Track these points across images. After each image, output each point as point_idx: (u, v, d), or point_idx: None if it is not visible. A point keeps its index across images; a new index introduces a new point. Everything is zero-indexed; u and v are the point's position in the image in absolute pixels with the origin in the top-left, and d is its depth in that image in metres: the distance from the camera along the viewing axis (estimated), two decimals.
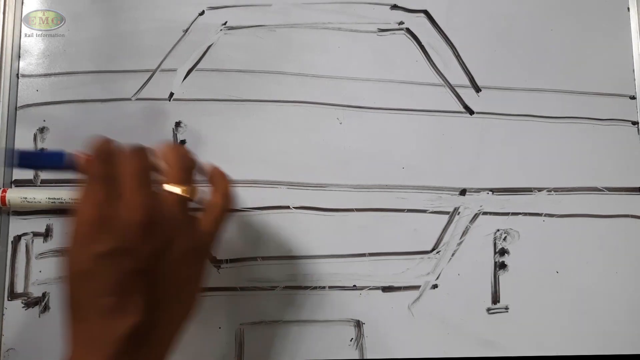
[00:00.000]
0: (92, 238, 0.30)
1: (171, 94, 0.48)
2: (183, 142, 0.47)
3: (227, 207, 0.36)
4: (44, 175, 0.46)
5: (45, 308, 0.45)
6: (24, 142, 0.47)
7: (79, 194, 0.32)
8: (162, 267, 0.31)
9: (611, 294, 0.48)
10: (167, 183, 0.33)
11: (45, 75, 0.48)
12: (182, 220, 0.33)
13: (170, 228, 0.32)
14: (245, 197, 0.47)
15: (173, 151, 0.34)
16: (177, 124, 0.48)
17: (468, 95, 0.50)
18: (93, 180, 0.32)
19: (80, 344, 0.30)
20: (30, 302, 0.45)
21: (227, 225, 0.36)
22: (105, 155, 0.33)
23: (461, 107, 0.49)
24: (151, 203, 0.31)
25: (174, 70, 0.48)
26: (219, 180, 0.37)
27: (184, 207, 0.33)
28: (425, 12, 0.51)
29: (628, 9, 0.52)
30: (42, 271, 0.45)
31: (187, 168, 0.34)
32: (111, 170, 0.32)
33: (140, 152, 0.33)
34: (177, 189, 0.33)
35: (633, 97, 0.51)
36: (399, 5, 0.50)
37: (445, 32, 0.50)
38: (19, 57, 0.48)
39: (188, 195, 0.33)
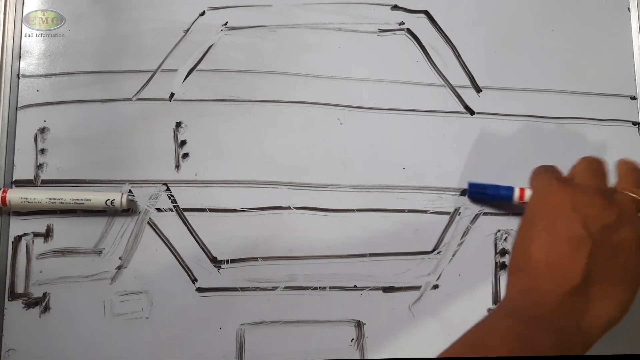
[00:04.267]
0: (554, 203, 0.36)
1: (172, 94, 0.48)
2: (184, 142, 0.47)
3: None
4: (45, 175, 0.46)
5: (46, 308, 0.45)
6: (24, 142, 0.47)
7: (542, 176, 0.40)
8: (606, 244, 0.34)
9: None
10: (623, 189, 0.37)
11: (46, 75, 0.48)
12: (631, 214, 0.36)
13: (619, 215, 0.35)
14: (245, 197, 0.47)
15: (629, 166, 0.40)
16: (178, 124, 0.48)
17: (469, 95, 0.50)
18: (549, 169, 0.41)
19: (522, 289, 0.36)
20: (31, 303, 0.45)
21: None
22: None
23: (462, 107, 0.50)
24: (605, 189, 0.37)
25: (175, 70, 0.48)
26: None
27: (634, 206, 0.36)
28: (426, 13, 0.51)
29: (628, 9, 0.52)
30: (43, 271, 0.45)
31: None
32: (558, 169, 0.41)
33: (597, 159, 0.40)
34: (631, 193, 0.37)
35: (634, 98, 0.51)
36: (400, 5, 0.50)
37: (446, 32, 0.50)
38: (20, 57, 0.48)
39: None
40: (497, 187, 0.46)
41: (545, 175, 0.40)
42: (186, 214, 0.46)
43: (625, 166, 0.40)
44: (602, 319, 0.35)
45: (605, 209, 0.35)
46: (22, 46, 0.48)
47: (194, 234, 0.46)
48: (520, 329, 0.33)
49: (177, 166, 0.47)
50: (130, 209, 0.46)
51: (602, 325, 0.35)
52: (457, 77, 0.50)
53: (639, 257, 0.36)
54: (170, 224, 0.46)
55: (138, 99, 0.48)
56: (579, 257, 0.34)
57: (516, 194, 0.46)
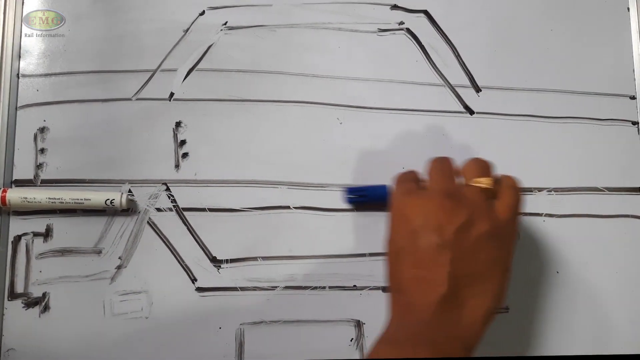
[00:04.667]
0: (406, 219, 0.37)
1: (171, 94, 0.48)
2: (183, 142, 0.47)
3: (516, 197, 0.39)
4: (44, 175, 0.46)
5: (46, 308, 0.45)
6: (24, 142, 0.47)
7: (395, 191, 0.40)
8: (464, 245, 0.35)
9: (611, 294, 0.48)
10: (469, 179, 0.38)
11: (46, 75, 0.48)
12: (482, 206, 0.36)
13: (471, 211, 0.36)
14: (245, 196, 0.47)
15: (470, 159, 0.41)
16: (178, 124, 0.48)
17: (468, 95, 0.50)
18: (403, 179, 0.41)
19: (398, 309, 0.37)
20: (31, 302, 0.45)
21: (521, 213, 0.39)
22: (412, 170, 0.43)
23: (461, 107, 0.50)
24: (452, 189, 0.37)
25: (175, 70, 0.48)
26: (505, 177, 0.40)
27: (483, 196, 0.37)
28: (426, 12, 0.51)
29: (628, 9, 0.52)
30: (42, 271, 0.45)
31: (485, 166, 0.40)
32: (414, 175, 0.41)
33: (443, 157, 0.41)
34: (476, 182, 0.38)
35: (633, 97, 0.51)
36: (399, 5, 0.50)
37: (446, 32, 0.50)
38: (19, 57, 0.48)
39: (487, 186, 0.38)
40: (374, 188, 0.46)
41: (397, 189, 0.40)
42: (186, 213, 0.46)
43: (467, 161, 0.41)
44: (479, 316, 0.35)
45: (455, 210, 0.35)
46: (21, 46, 0.48)
47: (193, 233, 0.46)
48: (397, 352, 0.33)
49: (177, 166, 0.47)
50: (130, 209, 0.46)
51: (481, 321, 0.35)
52: (457, 76, 0.50)
53: (499, 246, 0.36)
54: (169, 223, 0.46)
55: (138, 99, 0.48)
56: (441, 266, 0.35)
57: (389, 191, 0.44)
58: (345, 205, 0.47)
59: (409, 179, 0.41)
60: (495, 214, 0.37)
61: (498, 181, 0.39)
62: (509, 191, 0.39)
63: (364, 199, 0.46)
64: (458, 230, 0.35)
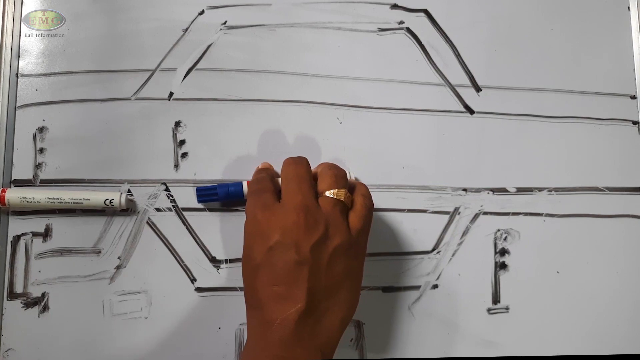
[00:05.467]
0: (263, 235, 0.36)
1: (171, 94, 0.48)
2: (183, 141, 0.47)
3: (368, 205, 0.39)
4: (43, 175, 0.46)
5: (45, 308, 0.45)
6: (23, 142, 0.46)
7: (249, 203, 0.38)
8: (321, 259, 0.35)
9: (611, 294, 0.48)
10: (323, 190, 0.38)
11: (45, 74, 0.48)
12: (337, 219, 0.37)
13: (326, 225, 0.36)
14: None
15: (325, 164, 0.40)
16: (177, 124, 0.48)
17: (468, 94, 0.50)
18: (258, 190, 0.39)
19: (257, 327, 0.36)
20: (30, 302, 0.45)
21: (371, 223, 0.40)
22: (267, 169, 0.43)
23: (461, 106, 0.49)
24: (308, 202, 0.36)
25: (174, 69, 0.48)
26: (358, 185, 0.41)
27: (338, 208, 0.37)
28: (426, 12, 0.50)
29: (628, 8, 0.52)
30: (42, 271, 0.45)
31: (340, 176, 0.39)
32: (269, 184, 0.40)
33: (299, 161, 0.39)
34: (331, 193, 0.38)
35: (634, 97, 0.51)
36: (399, 4, 0.50)
37: (446, 31, 0.50)
38: (19, 56, 0.48)
39: (341, 199, 0.38)
40: (225, 186, 0.44)
41: (251, 202, 0.38)
42: (185, 213, 0.46)
43: (322, 166, 0.40)
44: (336, 325, 0.36)
45: (311, 225, 0.35)
46: (21, 45, 0.48)
47: (193, 233, 0.46)
48: None
49: (176, 166, 0.47)
50: (129, 209, 0.46)
51: (338, 329, 0.36)
52: (457, 76, 0.50)
53: (352, 257, 0.37)
54: (169, 223, 0.46)
55: (137, 99, 0.48)
56: (300, 282, 0.35)
57: (246, 188, 0.44)
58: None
59: (264, 189, 0.39)
60: (349, 225, 0.37)
61: (352, 189, 0.40)
62: (360, 200, 0.39)
63: (215, 198, 0.45)
64: (314, 246, 0.35)
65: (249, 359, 0.36)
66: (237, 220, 0.46)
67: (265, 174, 0.41)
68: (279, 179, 0.41)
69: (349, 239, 0.37)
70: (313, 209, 0.36)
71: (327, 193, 0.38)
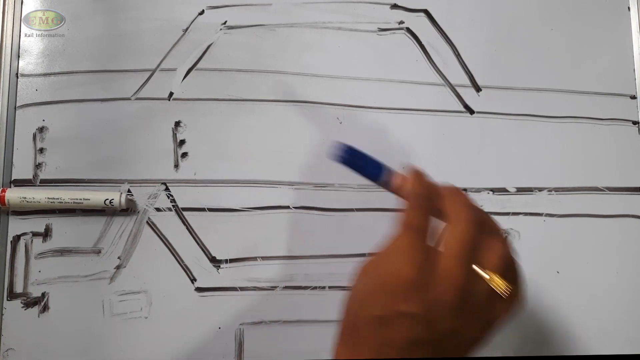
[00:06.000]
0: (402, 295, 0.29)
1: (171, 94, 0.48)
2: (183, 141, 0.47)
3: (518, 297, 0.32)
4: (43, 174, 0.46)
5: (45, 308, 0.45)
6: (23, 141, 0.46)
7: (401, 243, 0.31)
8: (448, 345, 0.30)
9: (611, 294, 0.48)
10: (486, 270, 0.30)
11: (45, 74, 0.48)
12: (480, 312, 0.30)
13: (471, 315, 0.30)
14: (245, 196, 0.47)
15: (499, 242, 0.31)
16: (177, 124, 0.48)
17: (468, 94, 0.50)
18: (416, 231, 0.31)
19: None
20: (30, 302, 0.45)
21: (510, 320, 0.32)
22: (427, 191, 0.32)
23: (461, 106, 0.49)
24: (467, 286, 0.29)
25: (174, 69, 0.48)
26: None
27: (486, 295, 0.30)
28: (426, 12, 0.50)
29: (628, 8, 0.52)
30: (42, 271, 0.45)
31: (507, 267, 0.31)
32: (427, 220, 0.32)
33: (479, 214, 0.31)
34: (487, 276, 0.30)
35: (633, 97, 0.51)
36: (399, 4, 0.50)
37: (446, 31, 0.50)
38: (18, 56, 0.48)
39: (500, 288, 0.30)
40: (371, 164, 0.35)
41: (404, 240, 0.31)
42: (185, 213, 0.46)
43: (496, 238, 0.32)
44: None
45: (459, 312, 0.29)
46: (21, 45, 0.48)
47: (193, 233, 0.46)
48: None
49: (176, 165, 0.47)
50: (129, 209, 0.46)
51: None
52: (457, 76, 0.50)
53: (474, 342, 0.31)
54: (169, 223, 0.46)
55: (137, 98, 0.48)
56: (414, 357, 0.30)
57: (385, 175, 0.35)
58: (350, 206, 0.47)
59: (423, 227, 0.32)
60: (486, 321, 0.31)
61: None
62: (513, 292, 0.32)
63: (356, 167, 0.35)
64: (449, 332, 0.30)
65: None
66: (237, 220, 0.46)
67: (426, 204, 0.32)
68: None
69: (482, 333, 0.31)
70: (469, 289, 0.30)
71: (484, 274, 0.31)
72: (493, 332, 0.31)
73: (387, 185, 0.35)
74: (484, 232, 0.31)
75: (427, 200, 0.32)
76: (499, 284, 0.30)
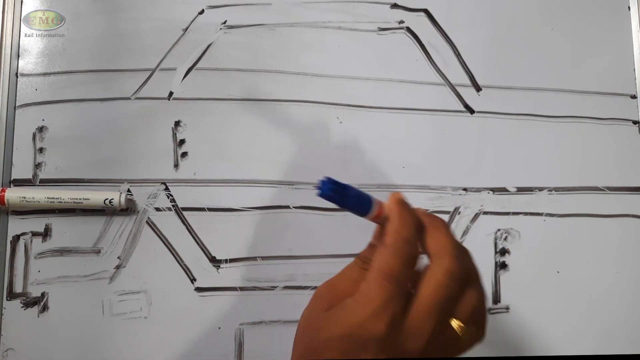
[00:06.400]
0: (367, 346, 0.27)
1: (171, 93, 0.48)
2: (182, 141, 0.47)
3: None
4: (43, 174, 0.46)
5: (44, 308, 0.45)
6: (23, 141, 0.46)
7: (372, 287, 0.27)
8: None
9: (611, 294, 0.48)
10: (455, 319, 0.28)
11: (45, 74, 0.48)
12: (447, 348, 0.28)
13: (437, 353, 0.28)
14: (245, 196, 0.47)
15: (476, 297, 0.29)
16: (177, 123, 0.47)
17: (468, 94, 0.50)
18: (391, 279, 0.27)
19: None
20: (29, 302, 0.45)
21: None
22: (412, 231, 0.29)
23: (462, 106, 0.49)
24: (434, 336, 0.27)
25: (174, 69, 0.48)
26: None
27: (454, 337, 0.28)
28: (426, 11, 0.50)
29: (628, 8, 0.52)
30: (41, 271, 0.45)
31: (480, 314, 0.29)
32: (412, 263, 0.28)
33: (450, 274, 0.28)
34: (455, 325, 0.28)
35: (634, 97, 0.51)
36: (399, 4, 0.50)
37: (446, 31, 0.50)
38: (18, 56, 0.48)
39: (466, 334, 0.28)
40: (357, 197, 0.32)
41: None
42: (185, 213, 0.46)
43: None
44: None
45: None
46: (20, 45, 0.48)
47: (192, 233, 0.46)
48: None
49: (176, 165, 0.47)
50: (128, 208, 0.46)
51: None
52: (457, 75, 0.50)
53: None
54: (169, 223, 0.46)
55: (137, 98, 0.48)
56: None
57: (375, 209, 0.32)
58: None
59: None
60: None
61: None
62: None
63: (339, 202, 0.32)
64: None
65: None
66: (237, 220, 0.46)
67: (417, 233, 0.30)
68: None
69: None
70: (436, 344, 0.28)
71: (457, 325, 0.28)
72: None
73: (375, 219, 0.32)
74: (462, 282, 0.28)
75: (411, 245, 0.29)
76: (465, 330, 0.28)
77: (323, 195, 0.31)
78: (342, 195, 0.31)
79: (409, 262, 0.28)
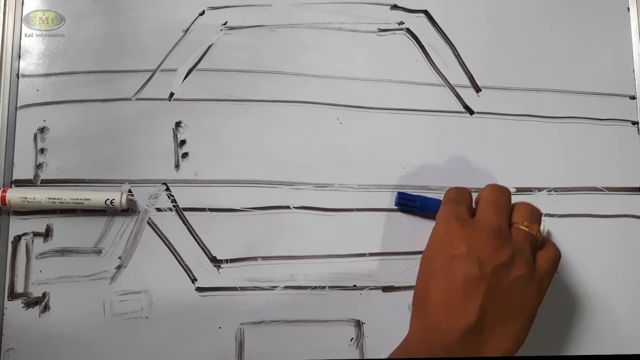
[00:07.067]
0: (450, 243, 0.37)
1: (171, 94, 0.48)
2: (183, 142, 0.47)
3: (558, 254, 0.40)
4: (44, 175, 0.46)
5: (46, 308, 0.45)
6: (24, 142, 0.47)
7: (443, 209, 0.41)
8: (500, 283, 0.36)
9: (611, 294, 0.48)
10: (517, 222, 0.39)
11: (46, 75, 0.48)
12: (525, 251, 0.37)
13: (514, 252, 0.37)
14: (245, 196, 0.47)
15: (523, 202, 0.41)
16: (178, 124, 0.48)
17: (468, 95, 0.50)
18: (456, 200, 0.40)
19: (420, 328, 0.37)
20: (31, 302, 0.45)
21: (556, 271, 0.40)
22: (466, 188, 0.43)
23: (461, 107, 0.50)
24: (501, 227, 0.38)
25: (174, 70, 0.48)
26: (549, 241, 0.42)
27: (528, 241, 0.38)
28: (426, 12, 0.51)
29: (628, 9, 0.52)
30: (42, 271, 0.45)
31: (535, 213, 0.40)
32: (467, 197, 0.41)
33: (503, 190, 0.40)
34: (526, 227, 0.39)
35: (633, 97, 0.51)
36: (399, 5, 0.50)
37: (446, 32, 0.50)
38: (19, 57, 0.48)
39: (533, 233, 0.39)
40: (425, 200, 0.46)
41: (446, 209, 0.40)
42: (186, 213, 0.46)
43: (520, 202, 0.41)
44: (497, 354, 0.36)
45: (500, 248, 0.36)
46: (21, 46, 0.48)
47: (193, 233, 0.46)
48: None
49: (177, 166, 0.47)
50: (130, 209, 0.46)
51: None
52: (457, 76, 0.50)
53: (531, 293, 0.37)
54: (169, 223, 0.46)
55: (138, 99, 0.48)
56: (474, 297, 0.35)
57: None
58: (350, 206, 0.47)
59: (462, 201, 0.40)
60: (535, 262, 0.38)
61: (542, 243, 0.40)
62: (552, 246, 0.40)
63: (412, 208, 0.46)
64: (498, 268, 0.36)
65: (408, 354, 0.37)
66: (237, 221, 0.47)
67: (466, 190, 0.42)
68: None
69: (531, 273, 0.37)
70: (505, 234, 0.37)
71: (521, 225, 0.38)
72: (542, 276, 0.38)
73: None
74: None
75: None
76: (536, 231, 0.39)
77: (396, 205, 0.47)
78: (409, 206, 0.46)
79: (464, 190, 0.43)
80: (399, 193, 0.46)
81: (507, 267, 0.36)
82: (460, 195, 0.41)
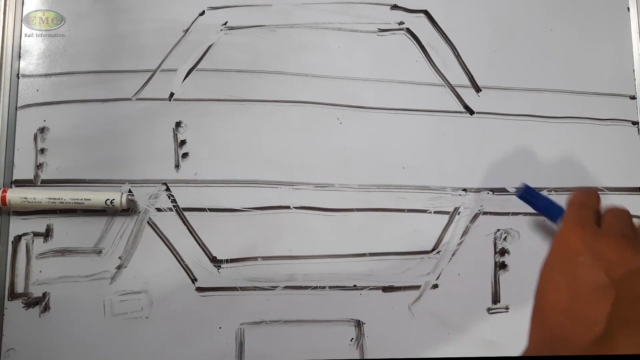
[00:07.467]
0: (576, 248, 0.35)
1: (171, 94, 0.48)
2: (183, 142, 0.47)
3: None
4: (44, 175, 0.46)
5: (46, 308, 0.45)
6: (24, 142, 0.47)
7: (570, 212, 0.38)
8: (629, 290, 0.33)
9: None
10: None
11: (46, 75, 0.48)
12: None
13: None
14: (245, 196, 0.47)
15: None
16: (178, 124, 0.48)
17: (468, 95, 0.50)
18: (585, 203, 0.38)
19: (541, 341, 0.35)
20: (31, 302, 0.45)
21: None
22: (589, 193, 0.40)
23: (461, 107, 0.50)
24: (630, 235, 0.36)
25: (175, 70, 0.48)
26: None
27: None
28: (426, 12, 0.51)
29: (628, 9, 0.52)
30: (43, 271, 0.45)
31: None
32: (595, 201, 0.39)
33: (620, 209, 0.39)
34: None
35: (633, 97, 0.51)
36: (399, 5, 0.50)
37: (446, 32, 0.50)
38: (20, 57, 0.48)
39: None
40: (549, 205, 0.42)
41: (572, 214, 0.38)
42: (186, 213, 0.46)
43: None
44: None
45: (630, 253, 0.34)
46: (22, 46, 0.48)
47: (193, 233, 0.46)
48: None
49: (177, 166, 0.47)
50: (130, 209, 0.46)
51: None
52: (457, 76, 0.50)
53: None
54: (170, 223, 0.46)
55: (138, 99, 0.48)
56: (602, 306, 0.33)
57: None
58: (350, 206, 0.47)
59: (590, 206, 0.39)
60: None
61: None
62: None
63: (533, 206, 0.43)
64: (628, 274, 0.33)
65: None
66: (237, 221, 0.47)
67: (594, 193, 0.40)
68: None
69: None
70: (634, 240, 0.36)
71: None
72: None
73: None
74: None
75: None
76: None
77: (518, 196, 0.43)
78: (530, 201, 0.42)
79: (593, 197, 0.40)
80: (526, 187, 0.43)
81: (637, 273, 0.33)
82: (587, 198, 0.39)
